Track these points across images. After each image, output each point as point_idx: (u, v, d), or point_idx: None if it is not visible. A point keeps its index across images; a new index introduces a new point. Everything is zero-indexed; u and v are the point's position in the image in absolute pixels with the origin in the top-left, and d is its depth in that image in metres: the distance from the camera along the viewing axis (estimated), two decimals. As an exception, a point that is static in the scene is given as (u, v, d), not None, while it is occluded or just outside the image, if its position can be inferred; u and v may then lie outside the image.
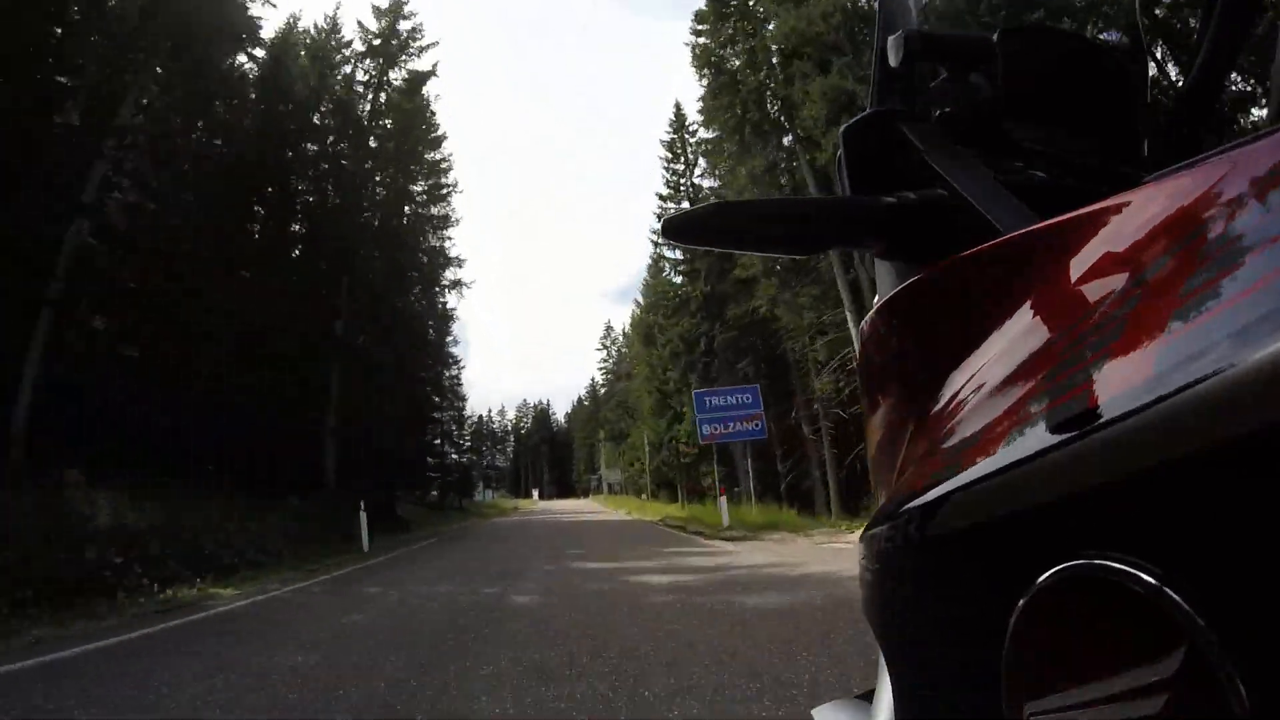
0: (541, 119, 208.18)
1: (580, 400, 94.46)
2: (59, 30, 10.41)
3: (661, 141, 26.40)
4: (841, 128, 0.64)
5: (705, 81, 18.92)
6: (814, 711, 0.74)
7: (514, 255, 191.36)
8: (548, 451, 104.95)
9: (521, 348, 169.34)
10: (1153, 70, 0.55)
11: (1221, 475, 0.22)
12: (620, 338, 57.04)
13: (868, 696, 0.66)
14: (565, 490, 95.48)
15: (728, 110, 17.77)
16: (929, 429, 0.49)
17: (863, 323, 0.64)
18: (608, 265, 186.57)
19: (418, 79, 20.85)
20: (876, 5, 0.73)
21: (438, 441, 30.56)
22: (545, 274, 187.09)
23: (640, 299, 35.29)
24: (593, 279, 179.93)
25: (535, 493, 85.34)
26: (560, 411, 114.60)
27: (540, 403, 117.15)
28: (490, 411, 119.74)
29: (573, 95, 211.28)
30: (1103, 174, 0.56)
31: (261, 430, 13.08)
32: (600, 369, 62.88)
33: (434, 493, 30.11)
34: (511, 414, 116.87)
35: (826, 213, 0.57)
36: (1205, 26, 0.43)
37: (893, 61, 0.60)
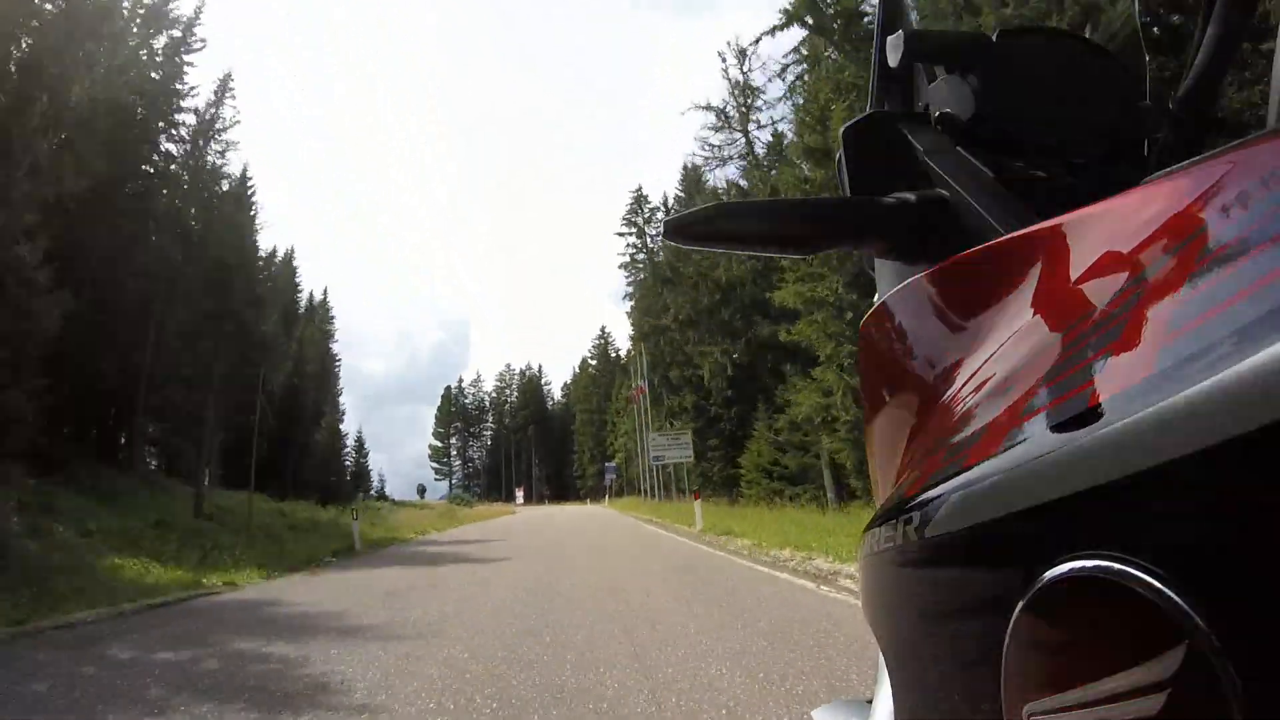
0: (529, 89, 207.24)
1: (585, 362, 70.51)
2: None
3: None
4: (841, 128, 0.64)
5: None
6: (814, 712, 0.76)
7: (503, 229, 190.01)
8: (538, 437, 78.41)
9: (514, 330, 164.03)
10: (1152, 70, 0.56)
11: (1221, 475, 0.22)
12: (664, 207, 36.85)
13: (868, 699, 0.66)
14: (562, 491, 72.44)
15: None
16: (929, 428, 0.49)
17: (863, 322, 0.64)
18: (600, 246, 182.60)
19: None
20: (877, 5, 0.73)
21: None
22: (535, 246, 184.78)
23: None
24: (583, 256, 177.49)
25: (519, 494, 65.70)
26: (556, 384, 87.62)
27: (528, 369, 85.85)
28: (462, 382, 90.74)
29: (560, 65, 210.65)
30: (1103, 174, 0.57)
31: None
32: (624, 263, 38.65)
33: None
34: (490, 384, 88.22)
35: (826, 213, 0.57)
36: (1205, 26, 0.44)
37: (892, 62, 0.60)
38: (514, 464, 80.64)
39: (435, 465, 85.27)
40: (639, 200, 39.85)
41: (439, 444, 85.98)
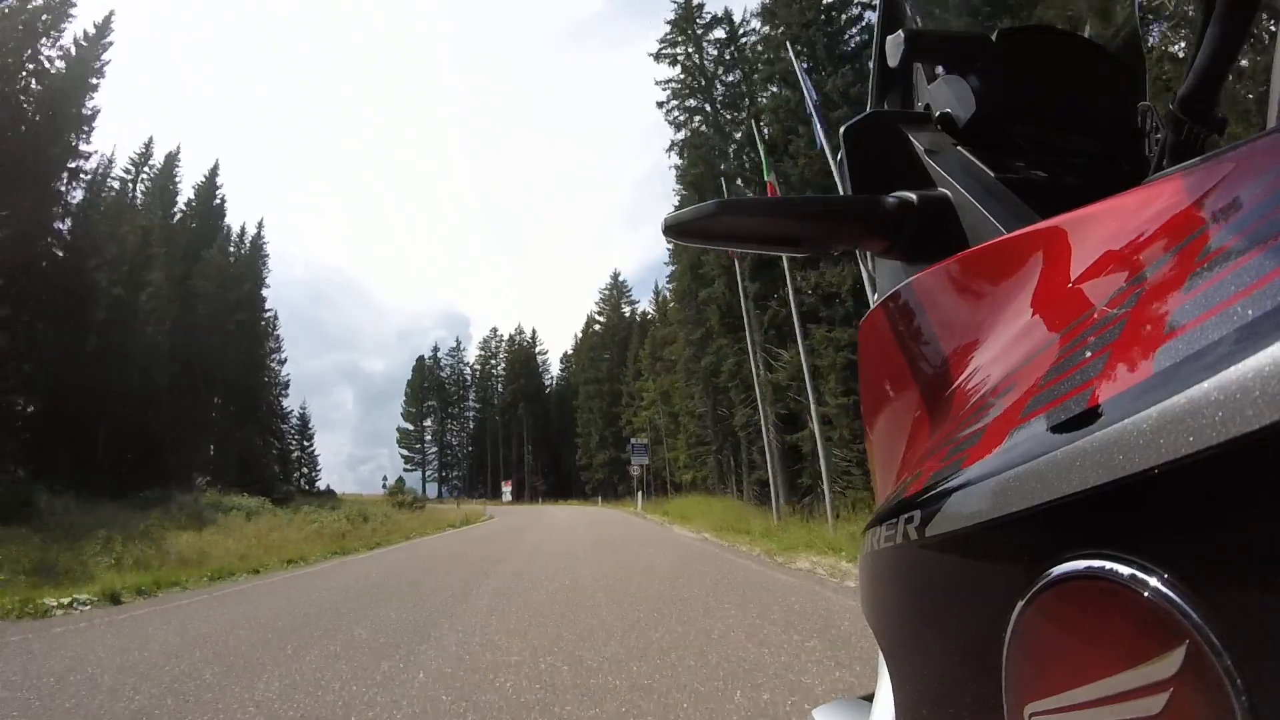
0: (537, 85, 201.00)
1: (591, 320, 55.43)
2: None
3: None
4: (842, 128, 0.63)
5: None
6: (814, 711, 0.75)
7: (506, 225, 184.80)
8: (532, 418, 62.56)
9: (514, 324, 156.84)
10: (1152, 70, 0.57)
11: (1221, 475, 0.22)
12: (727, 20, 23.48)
13: (868, 697, 0.67)
14: (562, 485, 58.30)
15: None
16: (929, 428, 0.49)
17: (862, 322, 0.63)
18: (606, 240, 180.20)
19: None
20: (878, 5, 0.72)
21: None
22: (535, 242, 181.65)
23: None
24: (586, 251, 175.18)
25: (507, 489, 53.32)
26: (553, 356, 72.49)
27: (519, 333, 68.66)
28: (438, 351, 71.71)
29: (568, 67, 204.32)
30: (1103, 174, 0.57)
31: None
32: (666, 99, 23.77)
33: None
34: (472, 354, 71.69)
35: (827, 212, 0.57)
36: (1204, 26, 0.44)
37: (892, 62, 0.60)
38: (501, 451, 63.80)
39: (405, 453, 69.08)
40: (690, 6, 24.22)
41: (409, 427, 69.57)
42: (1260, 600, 0.22)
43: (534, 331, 73.35)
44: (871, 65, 0.71)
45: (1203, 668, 0.23)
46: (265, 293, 38.90)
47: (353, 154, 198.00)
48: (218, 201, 37.73)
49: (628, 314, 53.54)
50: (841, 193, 0.64)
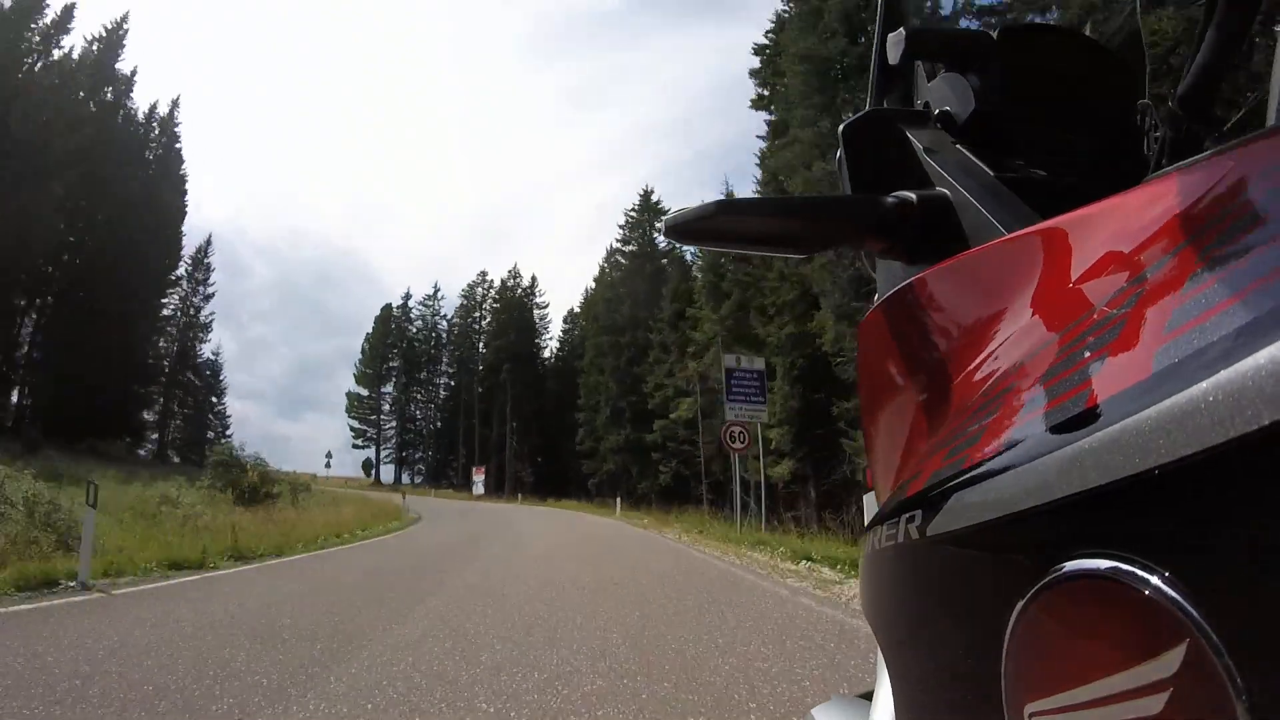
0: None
1: (612, 252, 42.80)
2: None
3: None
4: (841, 127, 0.64)
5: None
6: (814, 710, 0.75)
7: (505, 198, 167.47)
8: (522, 388, 47.36)
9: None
10: (1152, 70, 0.58)
11: (1221, 475, 0.22)
12: None
13: (867, 695, 0.68)
14: (556, 478, 43.78)
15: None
16: (929, 428, 0.50)
17: (862, 322, 0.63)
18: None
19: None
20: (878, 2, 0.73)
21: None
22: (540, 222, 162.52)
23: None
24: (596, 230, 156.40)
25: (479, 478, 43.48)
26: (555, 318, 55.78)
27: (514, 278, 53.19)
28: (409, 298, 57.25)
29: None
30: (1103, 174, 0.57)
31: None
32: None
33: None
34: (450, 305, 57.03)
35: (827, 212, 0.58)
36: (1204, 26, 0.45)
37: (893, 59, 0.61)
38: (478, 429, 49.50)
39: (355, 424, 53.74)
40: None
41: (364, 392, 54.03)
42: (1260, 600, 0.22)
43: (533, 279, 54.78)
44: (872, 63, 0.72)
45: (1203, 667, 0.22)
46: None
47: (365, 109, 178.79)
48: (127, 71, 31.59)
49: (662, 244, 39.63)
50: (841, 192, 0.65)
